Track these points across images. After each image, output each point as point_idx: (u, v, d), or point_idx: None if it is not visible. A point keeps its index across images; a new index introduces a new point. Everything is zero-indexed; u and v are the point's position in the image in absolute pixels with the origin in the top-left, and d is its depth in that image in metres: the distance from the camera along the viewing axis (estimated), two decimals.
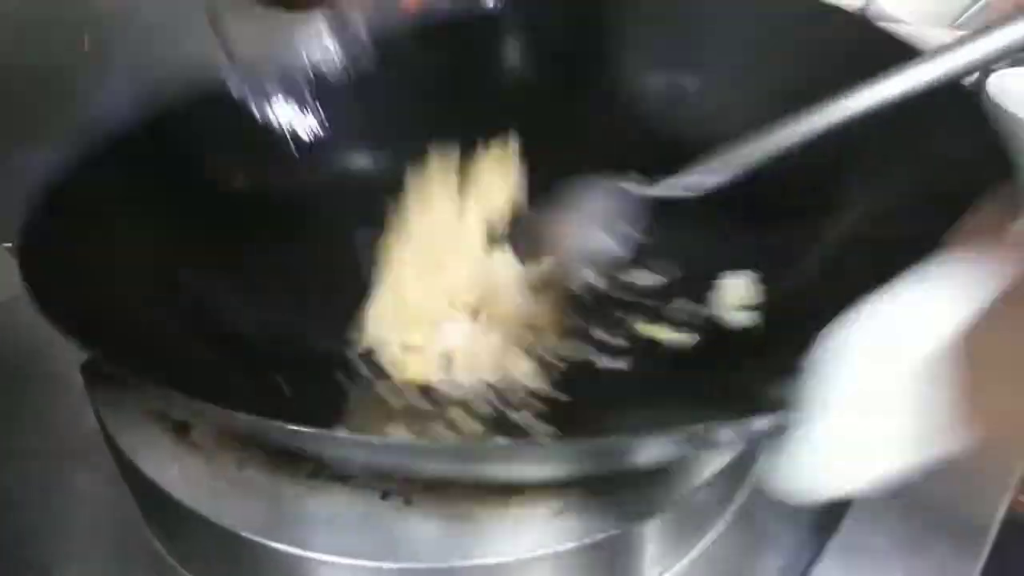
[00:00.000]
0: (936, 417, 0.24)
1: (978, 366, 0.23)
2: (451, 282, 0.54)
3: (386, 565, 0.39)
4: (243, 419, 0.35)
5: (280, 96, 0.60)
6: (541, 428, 0.46)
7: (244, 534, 0.40)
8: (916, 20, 0.80)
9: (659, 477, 0.42)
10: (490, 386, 0.49)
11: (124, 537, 0.47)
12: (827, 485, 0.28)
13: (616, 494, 0.41)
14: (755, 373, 0.44)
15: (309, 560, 0.39)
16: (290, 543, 0.40)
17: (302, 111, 0.61)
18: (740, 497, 0.49)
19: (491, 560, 0.39)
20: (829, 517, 0.48)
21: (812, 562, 0.45)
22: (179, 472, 0.42)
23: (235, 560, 0.42)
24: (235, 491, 0.41)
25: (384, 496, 0.41)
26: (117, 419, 0.44)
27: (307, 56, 0.61)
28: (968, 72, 0.42)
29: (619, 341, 0.53)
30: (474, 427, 0.46)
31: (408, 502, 0.41)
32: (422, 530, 0.40)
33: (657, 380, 0.50)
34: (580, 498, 0.41)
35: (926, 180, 0.46)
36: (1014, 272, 0.24)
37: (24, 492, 0.49)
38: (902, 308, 0.25)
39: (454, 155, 0.57)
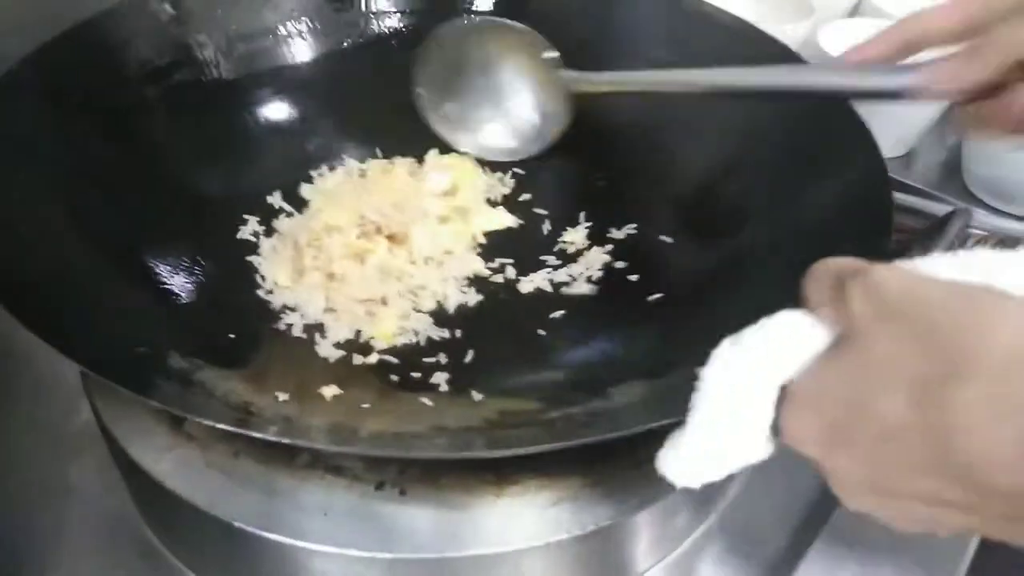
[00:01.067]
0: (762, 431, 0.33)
1: (795, 400, 0.31)
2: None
3: (380, 555, 0.39)
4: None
5: None
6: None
7: (238, 524, 0.40)
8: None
9: (652, 469, 0.43)
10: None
11: (118, 528, 0.47)
12: (697, 473, 0.35)
13: (609, 486, 0.42)
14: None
15: (303, 550, 0.40)
16: (284, 533, 0.40)
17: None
18: (732, 490, 0.49)
19: (485, 551, 0.40)
20: (819, 509, 0.48)
21: (801, 555, 0.46)
22: (173, 462, 0.42)
23: (229, 551, 0.42)
24: (229, 481, 0.41)
25: (379, 487, 0.41)
26: (112, 410, 0.44)
27: None
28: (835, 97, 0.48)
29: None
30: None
31: (403, 493, 0.41)
32: (416, 521, 0.40)
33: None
34: (573, 490, 0.41)
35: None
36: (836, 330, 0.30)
37: (18, 484, 0.49)
38: (754, 345, 0.32)
39: None
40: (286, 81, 0.63)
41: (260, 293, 0.53)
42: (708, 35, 0.60)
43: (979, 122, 0.41)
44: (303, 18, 0.63)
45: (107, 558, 0.46)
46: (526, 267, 0.55)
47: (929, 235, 0.43)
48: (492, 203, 0.60)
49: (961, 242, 0.54)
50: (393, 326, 0.51)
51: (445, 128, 0.62)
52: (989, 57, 0.39)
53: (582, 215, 0.58)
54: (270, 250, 0.55)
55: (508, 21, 0.60)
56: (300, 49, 0.63)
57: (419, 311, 0.52)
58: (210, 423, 0.38)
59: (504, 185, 0.61)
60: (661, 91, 0.54)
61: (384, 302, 0.52)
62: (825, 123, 0.52)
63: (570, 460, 0.42)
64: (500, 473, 0.41)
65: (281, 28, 0.63)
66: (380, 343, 0.50)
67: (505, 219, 0.59)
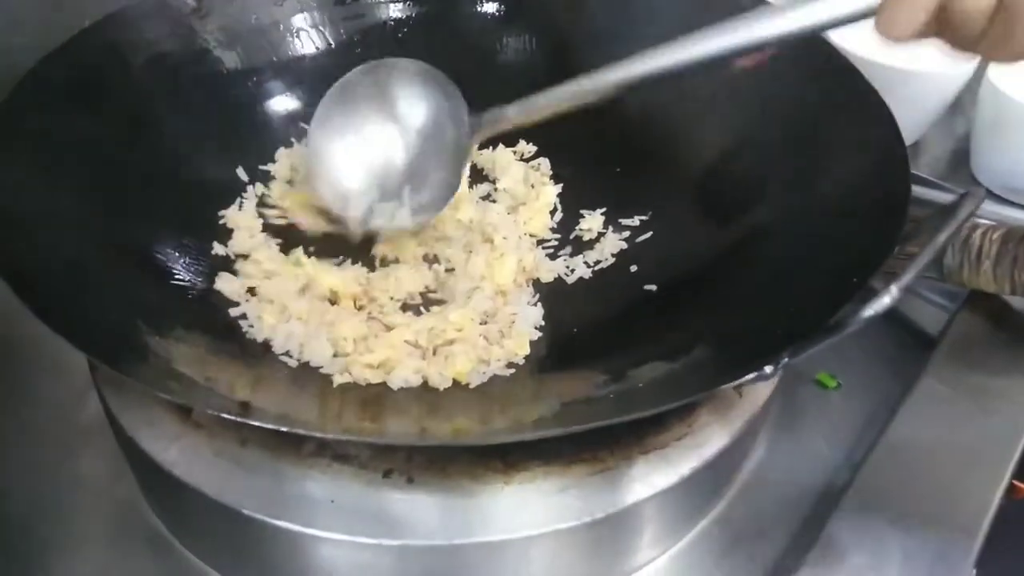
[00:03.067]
0: None
1: None
2: None
3: (388, 543, 0.39)
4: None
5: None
6: None
7: (246, 512, 0.40)
8: None
9: (659, 458, 0.43)
10: None
11: (126, 516, 0.47)
12: None
13: (616, 474, 0.42)
14: None
15: (311, 537, 0.40)
16: (292, 521, 0.40)
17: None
18: (739, 479, 0.49)
19: (492, 538, 0.40)
20: (825, 500, 0.48)
21: (811, 543, 0.46)
22: (181, 451, 0.42)
23: (237, 538, 0.42)
24: (237, 469, 0.41)
25: (386, 475, 0.41)
26: (119, 399, 0.44)
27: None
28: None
29: None
30: None
31: (410, 480, 0.41)
32: (424, 508, 0.40)
33: None
34: (580, 477, 0.41)
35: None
36: None
37: (26, 472, 0.49)
38: None
39: None
40: (303, 72, 0.63)
41: None
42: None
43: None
44: (318, 10, 0.63)
45: (115, 546, 0.47)
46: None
47: (939, 218, 0.43)
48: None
49: (970, 228, 0.54)
50: (468, 363, 0.47)
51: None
52: None
53: (598, 201, 0.58)
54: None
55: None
56: (316, 40, 0.63)
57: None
58: (218, 413, 0.38)
59: (542, 172, 0.61)
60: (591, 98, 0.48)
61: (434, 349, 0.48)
62: (842, 100, 0.52)
63: (577, 447, 0.42)
64: (507, 460, 0.41)
65: (297, 19, 0.63)
66: None
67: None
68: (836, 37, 0.70)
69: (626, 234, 0.57)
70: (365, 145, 0.54)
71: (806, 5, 0.41)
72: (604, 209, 0.58)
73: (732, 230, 0.53)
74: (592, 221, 0.57)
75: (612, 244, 0.56)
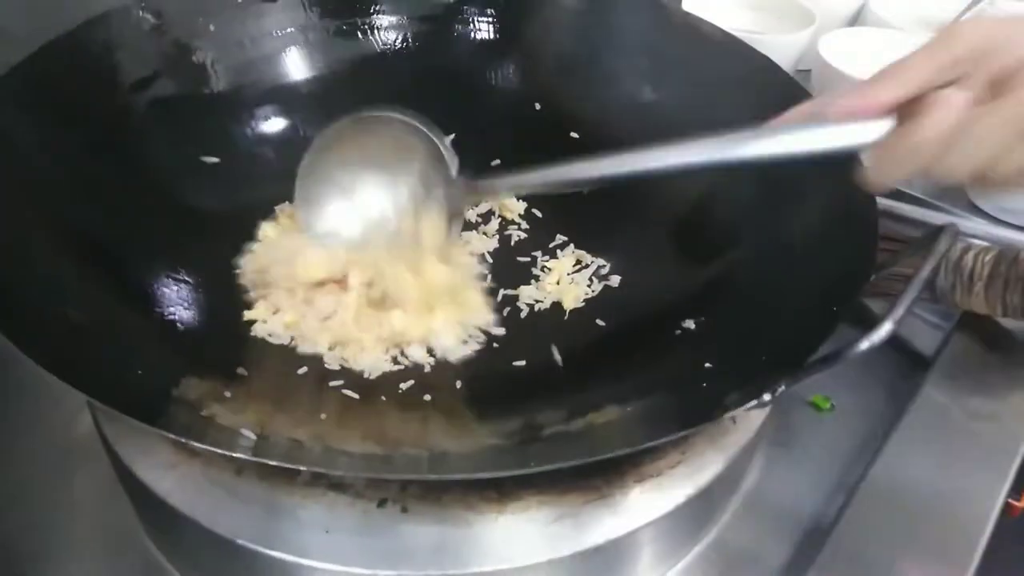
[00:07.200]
0: None
1: None
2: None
3: (383, 573, 0.39)
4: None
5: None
6: None
7: (241, 542, 0.40)
8: (907, 24, 0.81)
9: (654, 485, 0.43)
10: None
11: (121, 543, 0.47)
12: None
13: (610, 502, 0.42)
14: None
15: (306, 568, 0.40)
16: (287, 551, 0.40)
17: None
18: (734, 504, 0.49)
19: (487, 568, 0.40)
20: (820, 526, 0.48)
21: (806, 567, 0.46)
22: (176, 479, 0.42)
23: (232, 567, 0.42)
24: (232, 499, 0.41)
25: (380, 504, 0.41)
26: (115, 427, 0.44)
27: None
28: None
29: None
30: None
31: (405, 510, 0.41)
32: (418, 538, 0.40)
33: None
34: (574, 507, 0.41)
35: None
36: None
37: (22, 498, 0.49)
38: None
39: None
40: (277, 94, 0.62)
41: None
42: (694, 48, 0.60)
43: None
44: (292, 29, 0.62)
45: (111, 572, 0.47)
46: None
47: (916, 251, 0.43)
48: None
49: (963, 250, 0.54)
50: None
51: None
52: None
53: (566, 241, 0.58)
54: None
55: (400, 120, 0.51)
56: (293, 62, 0.63)
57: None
58: (219, 451, 0.38)
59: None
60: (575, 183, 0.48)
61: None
62: None
63: (572, 475, 0.42)
64: (502, 490, 0.41)
65: (270, 40, 0.62)
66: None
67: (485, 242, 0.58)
68: (825, 53, 0.72)
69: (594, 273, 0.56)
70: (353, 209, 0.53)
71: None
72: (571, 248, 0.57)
73: (706, 271, 0.53)
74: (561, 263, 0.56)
75: (581, 287, 0.55)
